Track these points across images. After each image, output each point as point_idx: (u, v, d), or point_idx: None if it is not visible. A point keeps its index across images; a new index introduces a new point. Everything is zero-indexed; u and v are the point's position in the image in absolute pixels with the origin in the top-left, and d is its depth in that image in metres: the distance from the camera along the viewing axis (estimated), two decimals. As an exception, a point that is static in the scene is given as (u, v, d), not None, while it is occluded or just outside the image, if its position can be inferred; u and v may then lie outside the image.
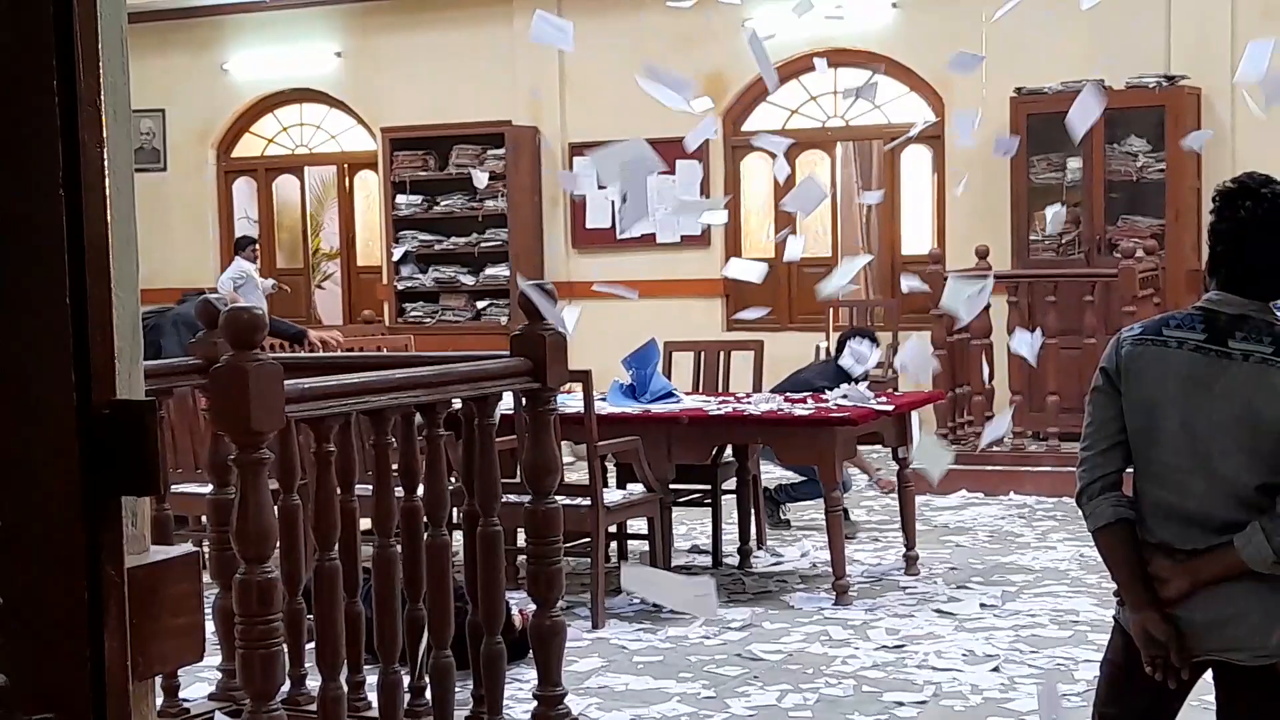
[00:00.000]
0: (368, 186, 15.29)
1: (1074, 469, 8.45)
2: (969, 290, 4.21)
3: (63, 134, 1.60)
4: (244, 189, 15.70)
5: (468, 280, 14.06)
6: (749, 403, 7.60)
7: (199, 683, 5.50)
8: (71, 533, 1.64)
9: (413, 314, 14.20)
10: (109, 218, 1.66)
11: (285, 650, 3.88)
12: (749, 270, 6.41)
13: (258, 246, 13.83)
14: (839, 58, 13.10)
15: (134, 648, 1.71)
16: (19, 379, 1.62)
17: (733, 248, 13.52)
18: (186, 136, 15.03)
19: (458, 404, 4.44)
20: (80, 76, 1.61)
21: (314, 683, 4.53)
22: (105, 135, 1.65)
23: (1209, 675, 3.42)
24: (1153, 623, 3.31)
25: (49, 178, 1.60)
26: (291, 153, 15.58)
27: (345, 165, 15.30)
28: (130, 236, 1.87)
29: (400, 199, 14.16)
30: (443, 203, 14.12)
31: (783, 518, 9.01)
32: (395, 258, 14.08)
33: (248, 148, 15.68)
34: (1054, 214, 9.16)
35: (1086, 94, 4.22)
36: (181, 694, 5.13)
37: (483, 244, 13.93)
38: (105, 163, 1.65)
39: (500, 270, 13.87)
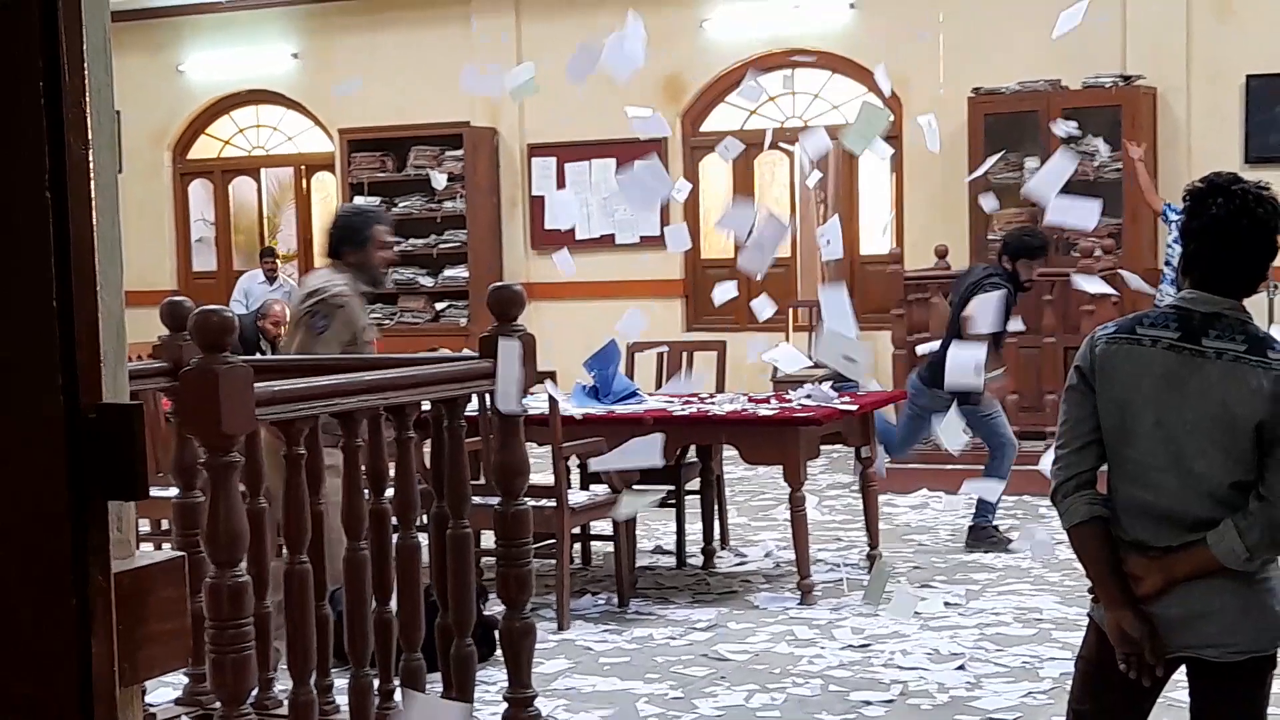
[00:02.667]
0: (325, 188, 15.24)
1: (1035, 467, 8.45)
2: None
3: (48, 135, 1.58)
4: (200, 191, 15.63)
5: (426, 282, 14.03)
6: (712, 403, 7.60)
7: (164, 687, 5.46)
8: (58, 537, 1.62)
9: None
10: (94, 219, 1.65)
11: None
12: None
13: (271, 259, 13.86)
14: (796, 58, 13.15)
15: (121, 653, 1.69)
16: (4, 382, 1.60)
17: (692, 248, 13.52)
18: (142, 138, 14.94)
19: (426, 406, 4.42)
20: (65, 77, 1.60)
21: (280, 687, 4.51)
22: (90, 136, 1.64)
23: (1182, 672, 3.44)
24: (1127, 620, 3.33)
25: (34, 179, 1.58)
26: (248, 154, 15.52)
27: (302, 167, 15.24)
28: (115, 238, 1.85)
29: (358, 200, 14.10)
30: (401, 204, 14.08)
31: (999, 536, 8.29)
32: (353, 259, 14.01)
33: (204, 149, 15.61)
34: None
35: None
36: (147, 699, 5.09)
37: (441, 245, 13.91)
38: (90, 164, 1.64)
39: (459, 271, 13.85)
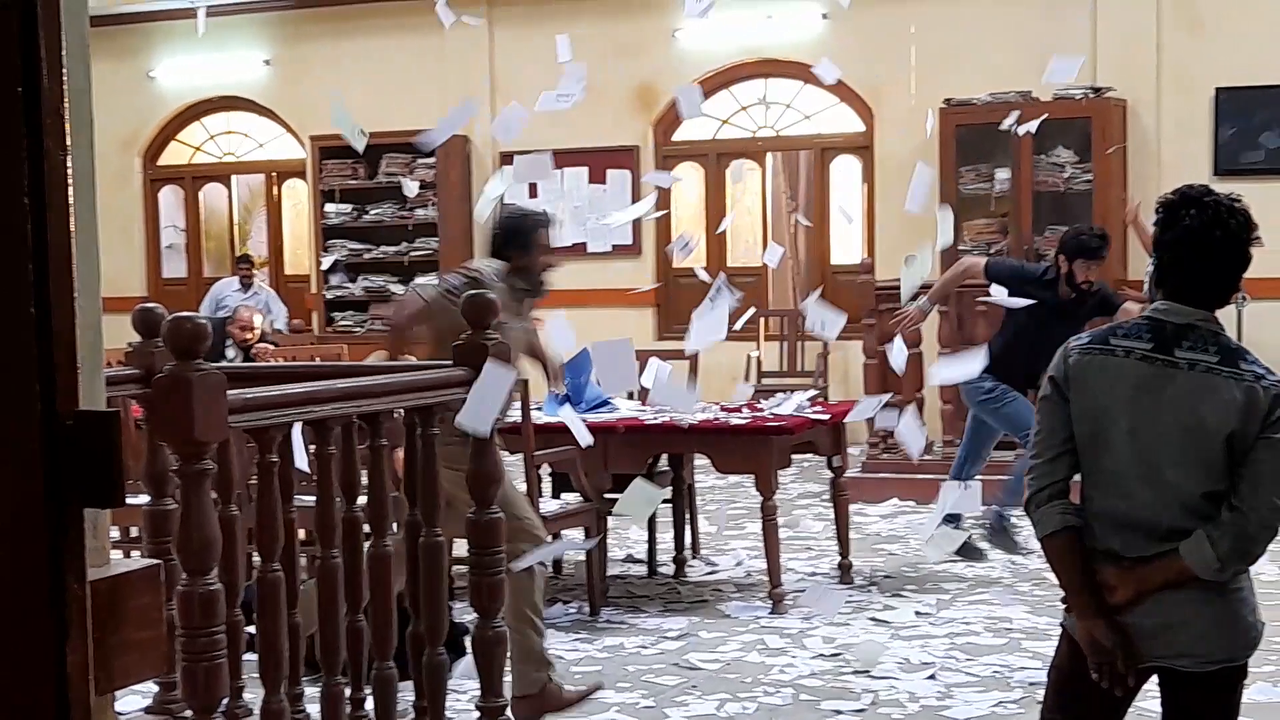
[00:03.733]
0: (296, 195, 15.20)
1: (1004, 477, 8.49)
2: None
3: (27, 141, 1.58)
4: (170, 197, 15.58)
5: (397, 289, 13.99)
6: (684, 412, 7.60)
7: (134, 695, 5.43)
8: (34, 544, 1.62)
9: (342, 323, 14.14)
10: (72, 226, 1.64)
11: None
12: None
13: (247, 266, 13.80)
14: (768, 68, 13.19)
15: (96, 661, 1.68)
16: (-18, 389, 1.59)
17: (663, 257, 13.54)
18: (112, 145, 14.88)
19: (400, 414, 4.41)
20: (44, 84, 1.59)
21: (250, 695, 4.49)
22: (68, 143, 1.63)
23: (1154, 682, 3.45)
24: (1099, 630, 3.34)
25: (13, 186, 1.57)
26: (219, 161, 15.47)
27: (274, 173, 15.21)
28: (92, 245, 1.85)
29: (329, 207, 14.09)
30: (372, 211, 14.07)
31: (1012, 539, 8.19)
32: (324, 266, 14.01)
33: (174, 156, 15.56)
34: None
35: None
36: (117, 706, 5.06)
37: (412, 253, 13.89)
38: (69, 171, 1.63)
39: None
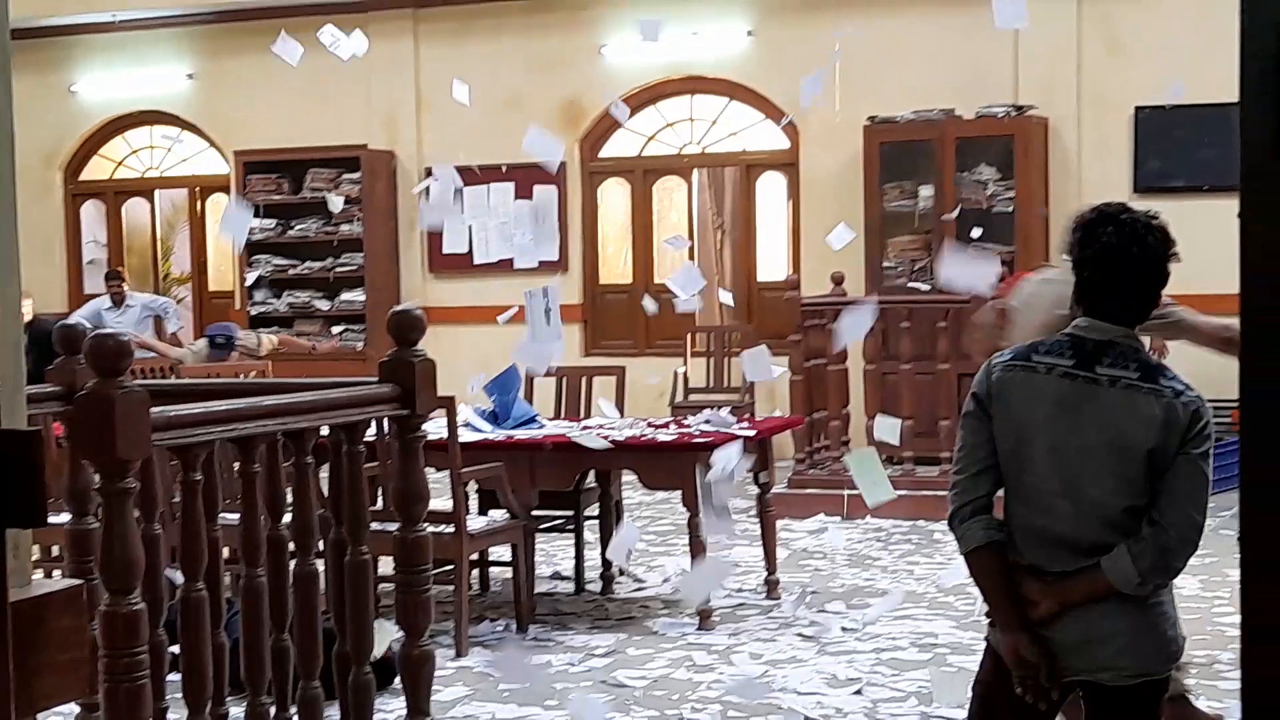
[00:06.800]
0: (220, 210, 15.08)
1: (929, 492, 8.56)
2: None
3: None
4: (92, 212, 15.43)
5: (323, 305, 13.94)
6: (612, 428, 7.61)
7: (56, 717, 5.37)
8: (-46, 567, 1.60)
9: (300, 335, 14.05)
10: (-7, 243, 1.63)
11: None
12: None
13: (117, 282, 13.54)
14: (694, 85, 13.23)
15: (17, 684, 1.66)
16: (-100, 408, 1.57)
17: (590, 273, 13.55)
18: (32, 159, 14.71)
19: (325, 431, 4.38)
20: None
21: (174, 716, 4.45)
22: (-10, 158, 1.62)
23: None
24: (1023, 644, 3.37)
25: (-67, 201, 1.56)
26: (141, 175, 15.34)
27: (197, 188, 15.09)
28: (11, 260, 1.83)
29: (254, 223, 13.98)
30: (297, 227, 13.99)
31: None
32: (248, 282, 13.92)
33: (96, 170, 15.42)
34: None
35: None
36: (36, 730, 5.00)
37: (338, 268, 13.83)
38: (-10, 186, 1.61)
39: (356, 295, 13.78)
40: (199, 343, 11.90)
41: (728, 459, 6.35)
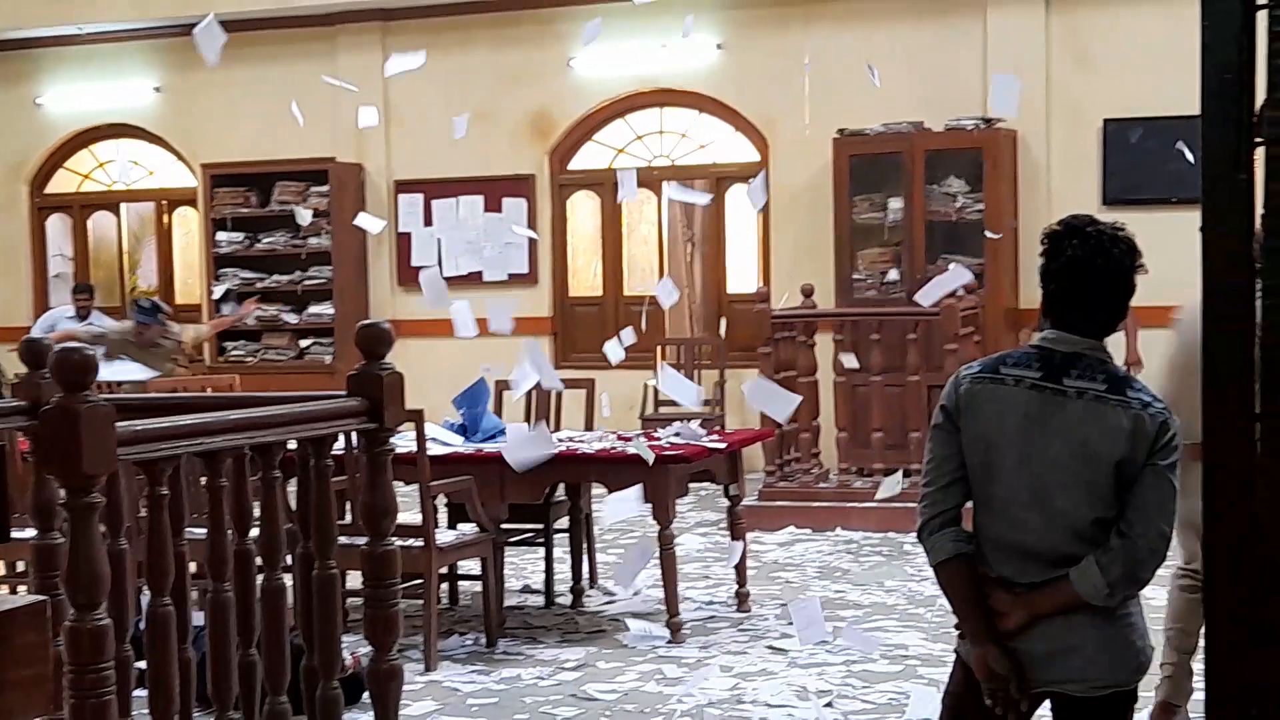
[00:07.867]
0: (187, 223, 15.03)
1: (899, 504, 8.56)
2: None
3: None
4: (58, 226, 15.36)
5: (291, 318, 13.89)
6: (582, 441, 7.59)
7: (19, 735, 5.33)
8: (-86, 583, 1.58)
9: (234, 353, 13.99)
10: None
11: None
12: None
13: (85, 295, 13.47)
14: (664, 98, 13.24)
15: (-22, 702, 1.65)
16: None
17: (560, 285, 13.54)
18: (-2, 172, 14.67)
19: (293, 445, 4.36)
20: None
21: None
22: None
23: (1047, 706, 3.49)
24: (992, 655, 3.38)
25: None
26: (108, 189, 15.27)
27: (164, 201, 15.03)
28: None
29: (221, 236, 13.95)
30: (265, 240, 13.94)
31: None
32: (216, 295, 13.87)
33: (62, 184, 15.34)
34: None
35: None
36: (1, 747, 4.96)
37: (306, 282, 13.78)
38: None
39: (324, 308, 13.73)
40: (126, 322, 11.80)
41: (623, 500, 6.15)
